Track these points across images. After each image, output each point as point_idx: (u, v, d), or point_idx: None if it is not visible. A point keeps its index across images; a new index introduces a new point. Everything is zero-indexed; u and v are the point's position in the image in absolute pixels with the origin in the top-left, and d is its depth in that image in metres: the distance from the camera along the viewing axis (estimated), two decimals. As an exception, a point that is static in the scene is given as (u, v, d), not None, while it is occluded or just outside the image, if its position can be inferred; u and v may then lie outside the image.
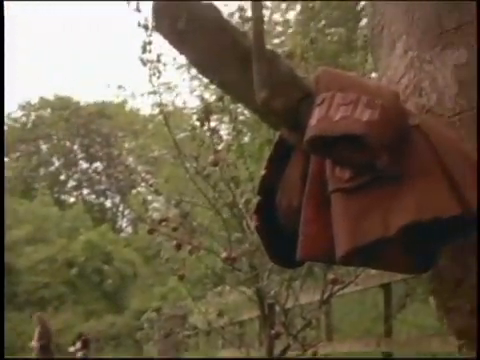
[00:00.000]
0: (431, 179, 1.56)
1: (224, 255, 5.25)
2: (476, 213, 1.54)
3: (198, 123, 5.31)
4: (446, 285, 1.83)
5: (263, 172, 1.87)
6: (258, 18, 1.71)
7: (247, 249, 5.23)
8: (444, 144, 1.61)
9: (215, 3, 1.91)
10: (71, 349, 18.33)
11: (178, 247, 5.38)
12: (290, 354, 5.53)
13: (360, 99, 1.60)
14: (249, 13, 1.73)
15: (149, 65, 5.41)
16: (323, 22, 7.21)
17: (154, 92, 5.48)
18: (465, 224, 1.58)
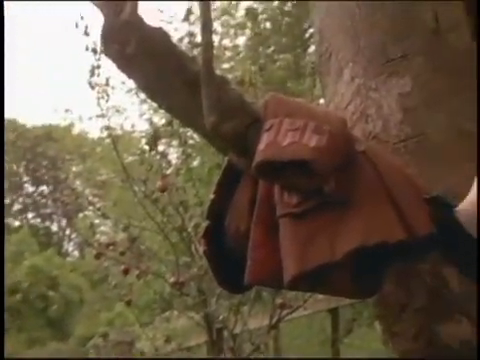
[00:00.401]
0: (377, 204, 1.58)
1: (172, 280, 5.22)
2: (420, 238, 1.57)
3: (147, 147, 5.29)
4: (391, 310, 1.85)
5: (212, 196, 1.87)
6: (207, 43, 1.72)
7: (195, 274, 5.21)
8: (389, 170, 1.64)
9: (164, 28, 1.92)
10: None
11: (126, 272, 5.32)
12: (238, 379, 5.50)
13: (308, 125, 1.61)
14: (198, 38, 1.74)
15: (97, 88, 5.39)
16: (272, 48, 7.28)
17: (102, 115, 5.46)
18: (410, 249, 1.60)
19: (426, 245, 1.62)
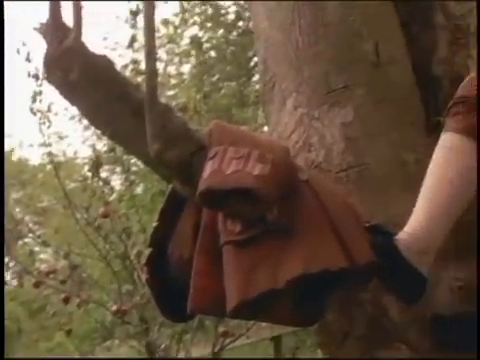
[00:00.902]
0: (319, 233, 1.60)
1: (114, 308, 5.15)
2: (361, 266, 1.59)
3: (89, 173, 5.25)
4: (333, 337, 1.87)
5: (155, 224, 1.86)
6: (152, 71, 1.73)
7: (138, 302, 5.15)
8: (331, 199, 1.66)
9: (108, 54, 1.92)
10: None
11: (66, 300, 5.23)
12: None
13: (252, 153, 1.63)
14: (143, 66, 1.74)
15: (39, 115, 5.33)
16: (217, 76, 7.34)
17: (45, 143, 5.39)
18: (351, 277, 1.62)
19: (367, 273, 1.64)
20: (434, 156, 1.68)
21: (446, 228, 1.66)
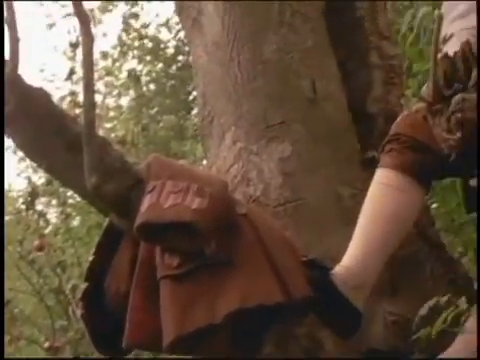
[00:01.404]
0: (256, 267, 1.61)
1: (47, 345, 5.03)
2: (298, 300, 1.60)
3: (24, 206, 5.15)
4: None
5: (92, 257, 1.84)
6: (90, 104, 1.72)
7: (72, 337, 5.05)
8: (269, 233, 1.67)
9: (46, 86, 1.90)
10: None
11: (-3, 337, 5.08)
12: None
13: (190, 187, 1.63)
14: (81, 98, 1.73)
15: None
16: (156, 109, 7.35)
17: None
18: (288, 311, 1.63)
19: (303, 308, 1.65)
20: (369, 191, 1.71)
21: (381, 263, 1.69)
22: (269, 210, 1.94)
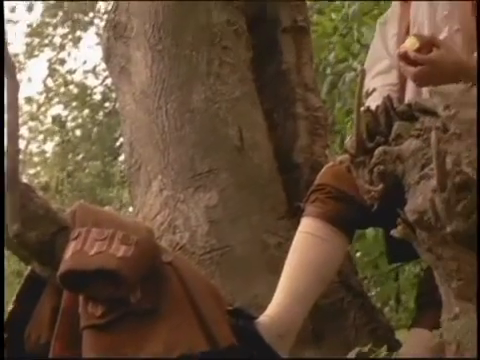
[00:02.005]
0: (182, 316, 1.60)
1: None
2: (222, 349, 1.60)
3: None
4: None
5: (11, 306, 1.79)
6: (14, 152, 1.69)
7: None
8: (195, 282, 1.67)
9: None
10: None
11: None
12: None
13: (116, 235, 1.62)
14: (5, 146, 1.70)
15: None
16: (81, 155, 7.28)
17: None
18: (215, 357, 1.62)
19: (228, 356, 1.64)
20: (294, 240, 1.73)
21: (306, 312, 1.70)
22: (195, 258, 1.94)
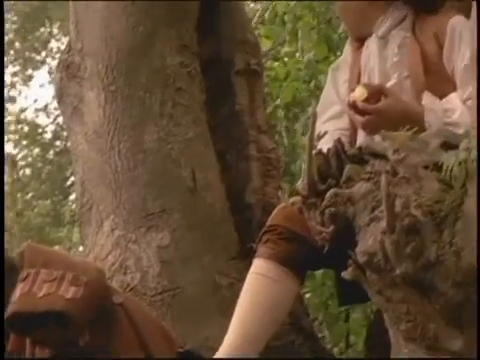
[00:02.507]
0: (132, 357, 1.58)
1: None
2: None
3: None
4: None
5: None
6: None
7: None
8: (145, 323, 1.65)
9: None
10: None
11: None
12: None
13: (65, 276, 1.60)
14: None
15: None
16: (31, 194, 7.19)
17: None
18: None
19: None
20: (246, 281, 1.73)
21: (257, 353, 1.69)
22: (146, 299, 1.92)
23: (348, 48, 2.01)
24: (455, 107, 1.71)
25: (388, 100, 1.75)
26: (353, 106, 1.77)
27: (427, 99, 1.77)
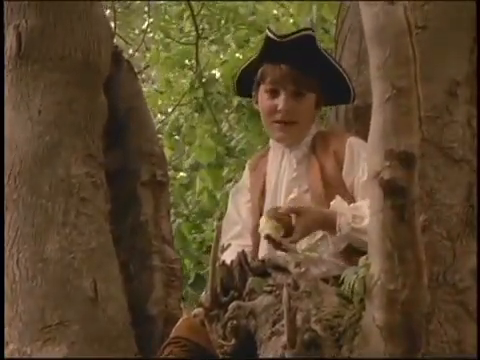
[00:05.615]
0: None
1: None
2: None
3: None
4: None
5: None
6: None
7: None
8: None
9: None
10: None
11: None
12: None
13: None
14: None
15: None
16: None
17: None
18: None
19: None
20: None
21: None
22: None
23: (247, 172, 2.10)
24: (364, 215, 1.76)
25: (301, 218, 1.79)
26: (269, 238, 1.77)
27: (337, 203, 1.84)
